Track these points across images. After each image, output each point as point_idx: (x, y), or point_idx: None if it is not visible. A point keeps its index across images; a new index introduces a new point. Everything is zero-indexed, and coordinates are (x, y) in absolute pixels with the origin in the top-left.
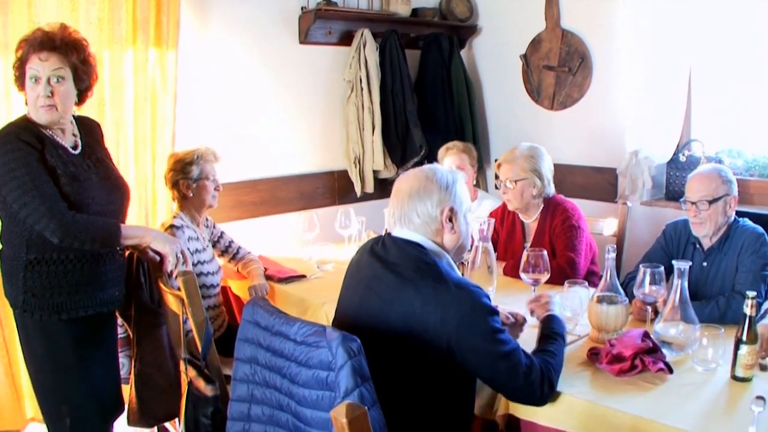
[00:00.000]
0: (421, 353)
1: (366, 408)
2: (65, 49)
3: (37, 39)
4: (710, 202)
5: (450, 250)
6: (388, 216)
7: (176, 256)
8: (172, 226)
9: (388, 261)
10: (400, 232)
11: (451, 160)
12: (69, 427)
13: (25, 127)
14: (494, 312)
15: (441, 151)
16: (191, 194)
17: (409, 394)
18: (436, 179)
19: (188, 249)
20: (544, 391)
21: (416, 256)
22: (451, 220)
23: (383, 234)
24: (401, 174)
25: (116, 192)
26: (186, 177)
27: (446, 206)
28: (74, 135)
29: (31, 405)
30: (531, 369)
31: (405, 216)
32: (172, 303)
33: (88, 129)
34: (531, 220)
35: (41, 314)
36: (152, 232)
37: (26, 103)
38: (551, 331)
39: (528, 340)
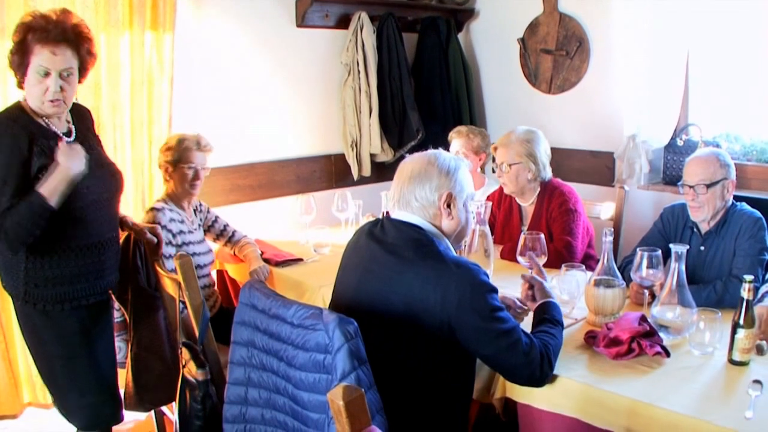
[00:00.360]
0: (422, 333)
1: (363, 390)
2: (76, 42)
3: (48, 30)
4: (708, 186)
5: (448, 236)
6: (388, 198)
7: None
8: (153, 209)
9: (386, 242)
10: (399, 214)
11: (454, 144)
12: (85, 414)
13: (17, 117)
14: (494, 290)
15: (451, 134)
16: (168, 177)
17: (407, 376)
18: (438, 164)
19: (171, 230)
20: (543, 370)
21: (415, 238)
22: (449, 206)
23: (381, 216)
24: (406, 157)
25: (111, 179)
26: (166, 160)
27: (444, 191)
28: (68, 121)
29: (28, 390)
30: (531, 347)
31: (404, 198)
32: (168, 286)
33: (80, 116)
34: (528, 204)
35: (44, 304)
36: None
37: (20, 87)
38: (551, 316)
39: (527, 320)
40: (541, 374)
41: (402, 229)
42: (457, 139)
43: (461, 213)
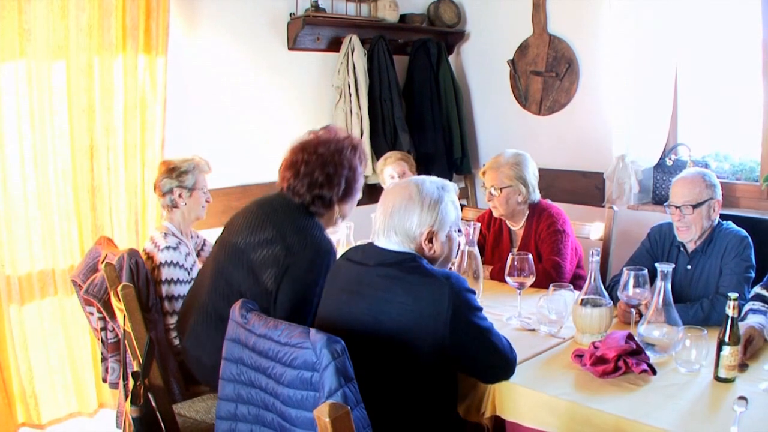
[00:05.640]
0: (413, 349)
1: (349, 408)
2: None
3: None
4: (694, 207)
5: (431, 263)
6: (373, 223)
7: None
8: (169, 247)
9: (370, 265)
10: (382, 242)
11: (391, 168)
12: None
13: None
14: (474, 292)
15: (379, 164)
16: (184, 203)
17: (394, 394)
18: (420, 198)
19: (187, 267)
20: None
21: (399, 259)
22: (431, 240)
23: (365, 244)
24: (391, 184)
25: None
26: (181, 185)
27: (426, 228)
28: None
29: (22, 410)
30: (503, 337)
31: (385, 231)
32: (119, 317)
33: None
34: (518, 227)
35: None
36: None
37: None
38: None
39: (516, 339)
40: (514, 356)
41: (384, 253)
42: (393, 162)
43: (444, 246)
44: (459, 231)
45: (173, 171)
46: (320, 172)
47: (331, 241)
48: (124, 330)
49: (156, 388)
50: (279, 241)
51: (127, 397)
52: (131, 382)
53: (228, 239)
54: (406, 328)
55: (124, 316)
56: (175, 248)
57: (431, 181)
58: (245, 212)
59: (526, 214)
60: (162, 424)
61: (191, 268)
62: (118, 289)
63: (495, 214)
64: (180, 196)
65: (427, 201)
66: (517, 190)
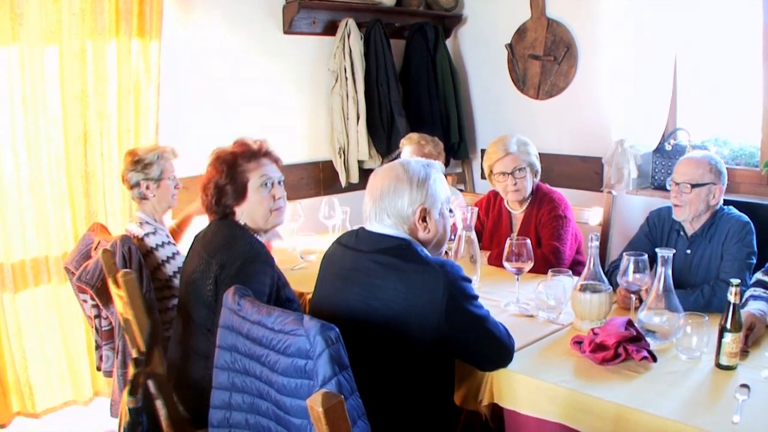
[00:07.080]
0: (408, 336)
1: (342, 397)
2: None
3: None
4: (693, 186)
5: (426, 245)
6: (363, 211)
7: None
8: (147, 234)
9: (364, 251)
10: (374, 227)
11: (405, 150)
12: None
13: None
14: (470, 280)
15: (402, 141)
16: (153, 195)
17: (390, 382)
18: (407, 177)
19: (173, 242)
20: (512, 340)
21: (394, 245)
22: (424, 219)
23: (357, 228)
24: (376, 168)
25: None
26: (147, 178)
27: (418, 206)
28: None
29: (17, 399)
30: (499, 324)
31: (377, 216)
32: (118, 304)
33: None
34: (519, 211)
35: None
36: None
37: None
38: None
39: (514, 326)
40: (512, 343)
41: (379, 238)
42: (408, 145)
43: (438, 223)
44: (450, 211)
45: (138, 163)
46: (211, 189)
47: (259, 246)
48: (123, 317)
49: (157, 375)
50: (213, 264)
51: (125, 385)
52: (131, 370)
53: (183, 277)
54: (399, 315)
55: (124, 303)
56: (154, 233)
57: (416, 161)
58: (189, 250)
59: (529, 198)
60: (158, 413)
61: (174, 256)
62: (119, 275)
63: (515, 197)
64: (148, 188)
65: (416, 179)
66: (534, 170)
